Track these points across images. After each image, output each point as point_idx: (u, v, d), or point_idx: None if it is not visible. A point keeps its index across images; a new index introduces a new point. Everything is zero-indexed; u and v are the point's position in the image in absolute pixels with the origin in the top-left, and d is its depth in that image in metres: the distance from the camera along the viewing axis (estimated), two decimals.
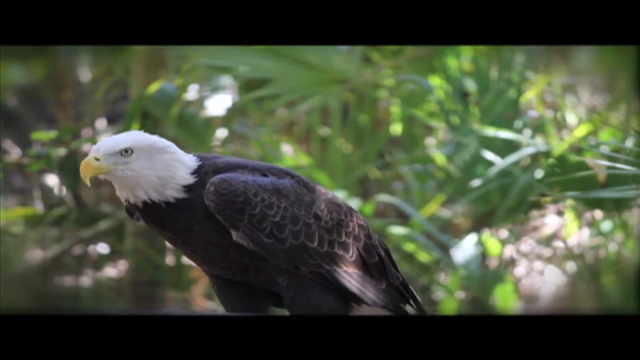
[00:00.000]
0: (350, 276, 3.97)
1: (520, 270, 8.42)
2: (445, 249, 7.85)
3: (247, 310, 3.97)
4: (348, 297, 3.98)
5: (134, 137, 3.87)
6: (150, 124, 8.45)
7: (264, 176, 3.93)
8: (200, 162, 3.89)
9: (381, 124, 8.66)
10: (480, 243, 7.89)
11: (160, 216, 3.85)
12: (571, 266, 7.99)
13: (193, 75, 8.21)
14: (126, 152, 3.83)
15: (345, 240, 3.99)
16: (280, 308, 4.08)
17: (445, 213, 8.20)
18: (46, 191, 9.71)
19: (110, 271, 9.45)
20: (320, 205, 3.97)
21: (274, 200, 3.89)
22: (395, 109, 8.41)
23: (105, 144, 3.85)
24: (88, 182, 3.88)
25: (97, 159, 3.84)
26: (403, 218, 8.35)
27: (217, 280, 3.99)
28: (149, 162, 3.84)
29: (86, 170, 3.86)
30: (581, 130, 7.47)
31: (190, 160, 3.89)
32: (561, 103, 8.02)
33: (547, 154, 7.40)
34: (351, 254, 3.99)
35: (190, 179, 3.85)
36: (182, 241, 3.89)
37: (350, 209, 4.05)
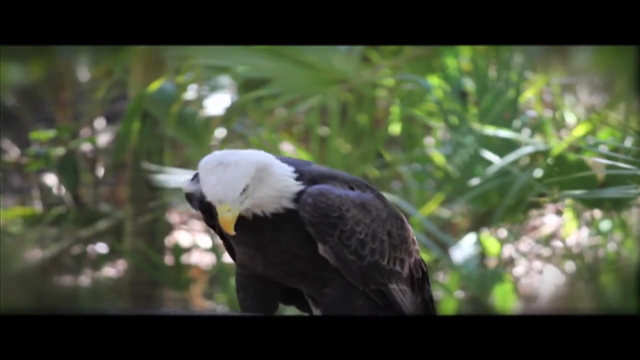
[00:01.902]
0: (403, 294, 3.96)
1: (519, 269, 8.43)
2: (444, 248, 7.85)
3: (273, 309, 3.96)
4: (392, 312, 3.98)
5: (243, 171, 3.75)
6: (149, 123, 8.46)
7: (350, 189, 3.87)
8: (296, 171, 3.83)
9: (380, 124, 8.66)
10: (479, 242, 7.89)
11: (251, 223, 3.79)
12: (570, 266, 7.99)
13: (194, 74, 8.22)
14: (246, 191, 3.74)
15: (404, 257, 3.97)
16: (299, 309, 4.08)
17: (444, 212, 8.20)
18: (45, 191, 9.71)
19: (109, 271, 9.45)
20: (392, 222, 3.94)
21: (361, 217, 3.84)
22: (394, 109, 8.42)
23: (225, 192, 3.73)
24: (233, 232, 3.78)
25: (229, 210, 3.73)
26: None
27: (250, 276, 3.93)
28: (265, 183, 3.76)
29: (228, 224, 3.73)
30: (580, 130, 7.47)
31: (287, 169, 3.82)
32: (560, 103, 8.03)
33: (546, 154, 7.41)
34: (405, 271, 3.98)
35: (298, 186, 3.80)
36: (257, 247, 3.81)
37: (408, 223, 4.02)
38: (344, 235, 3.80)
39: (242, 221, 3.78)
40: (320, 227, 3.77)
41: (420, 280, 4.05)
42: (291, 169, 3.83)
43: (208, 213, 3.91)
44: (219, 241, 9.53)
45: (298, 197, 3.79)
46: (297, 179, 3.81)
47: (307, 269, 3.83)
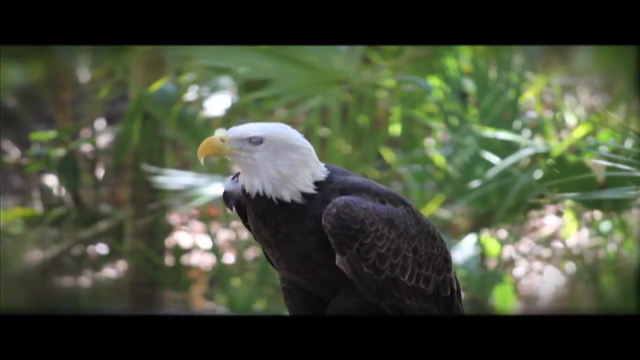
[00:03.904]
0: (423, 312, 3.93)
1: (519, 270, 8.43)
2: None
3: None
4: None
5: (270, 128, 3.80)
6: (149, 124, 8.46)
7: (382, 203, 3.86)
8: (330, 177, 3.83)
9: (380, 125, 8.66)
10: (479, 243, 7.89)
11: (267, 213, 3.78)
12: (570, 266, 7.99)
13: (194, 75, 8.22)
14: (255, 140, 3.78)
15: (430, 274, 3.94)
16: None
17: (445, 213, 8.20)
18: (45, 191, 9.71)
19: (110, 272, 9.45)
20: (421, 239, 3.92)
21: (385, 232, 3.83)
22: (395, 110, 8.42)
23: (237, 129, 3.80)
24: (202, 160, 3.83)
25: (222, 140, 3.78)
26: None
27: (290, 283, 3.94)
28: (274, 156, 3.77)
29: (205, 148, 3.79)
30: (580, 131, 7.47)
31: (319, 171, 3.83)
32: (560, 103, 8.03)
33: (546, 155, 7.41)
34: (430, 288, 3.95)
35: (310, 189, 3.80)
36: (277, 245, 3.81)
37: (442, 241, 4.00)
38: (362, 249, 3.79)
39: (257, 206, 3.79)
40: (340, 238, 3.77)
41: (449, 298, 4.01)
42: (326, 172, 3.84)
43: (243, 214, 3.92)
44: (219, 242, 9.54)
45: (314, 198, 3.79)
46: (321, 184, 3.82)
47: (329, 279, 3.84)
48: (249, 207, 3.83)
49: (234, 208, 3.94)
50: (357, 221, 3.78)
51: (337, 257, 3.78)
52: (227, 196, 3.95)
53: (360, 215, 3.78)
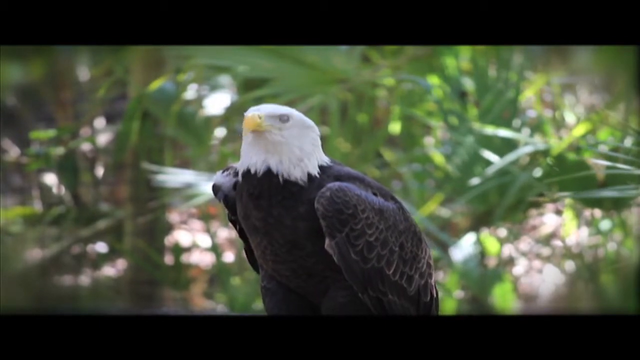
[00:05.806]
0: (404, 311, 3.97)
1: (519, 269, 8.43)
2: (444, 248, 7.85)
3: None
4: None
5: (293, 111, 3.95)
6: (149, 123, 8.46)
7: (373, 194, 3.94)
8: (330, 165, 3.94)
9: (380, 123, 8.66)
10: (479, 242, 7.89)
11: (262, 194, 3.84)
12: (570, 265, 7.99)
13: (194, 74, 8.22)
14: (284, 118, 3.89)
15: (413, 275, 3.99)
16: None
17: (444, 212, 8.20)
18: (45, 190, 9.71)
19: (109, 270, 9.45)
20: (407, 236, 3.99)
21: (375, 221, 3.90)
22: (394, 109, 8.42)
23: (266, 107, 3.93)
24: (246, 134, 3.90)
25: (259, 117, 3.90)
26: None
27: (271, 281, 3.97)
28: (299, 134, 3.90)
29: (250, 123, 3.89)
30: (580, 130, 7.48)
31: (324, 156, 3.95)
32: (560, 102, 8.03)
33: (545, 153, 7.41)
34: (412, 289, 3.99)
35: (315, 171, 3.88)
36: (265, 231, 3.86)
37: (427, 247, 4.07)
38: (352, 234, 3.85)
39: (255, 186, 3.84)
40: (331, 221, 3.83)
41: (427, 304, 4.05)
42: (329, 160, 3.94)
43: (231, 207, 3.98)
44: (219, 240, 9.55)
45: (312, 182, 3.87)
46: (322, 169, 3.90)
47: (315, 269, 3.87)
48: (241, 191, 3.88)
49: (222, 201, 4.00)
50: (349, 206, 3.84)
51: (327, 241, 3.83)
52: (216, 189, 4.03)
53: (353, 201, 3.85)
